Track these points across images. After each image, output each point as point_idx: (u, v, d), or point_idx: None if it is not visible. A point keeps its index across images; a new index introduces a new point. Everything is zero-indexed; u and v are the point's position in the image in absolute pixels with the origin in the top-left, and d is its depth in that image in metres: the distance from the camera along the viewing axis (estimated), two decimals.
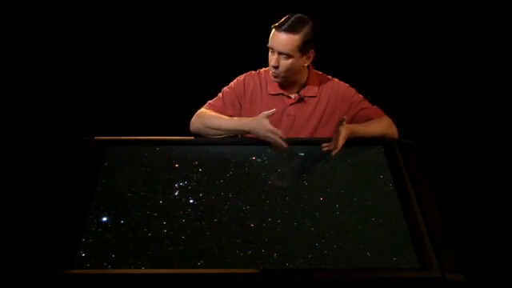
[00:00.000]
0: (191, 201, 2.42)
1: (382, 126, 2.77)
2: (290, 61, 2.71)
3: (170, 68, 4.04)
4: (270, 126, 2.61)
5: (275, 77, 2.78)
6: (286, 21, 2.70)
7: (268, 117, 2.62)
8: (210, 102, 2.91)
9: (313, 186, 2.49)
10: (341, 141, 2.56)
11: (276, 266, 2.16)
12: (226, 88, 2.93)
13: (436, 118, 3.96)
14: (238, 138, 2.85)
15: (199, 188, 2.47)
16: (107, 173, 2.53)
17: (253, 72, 2.94)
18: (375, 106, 2.87)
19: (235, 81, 2.93)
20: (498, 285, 3.09)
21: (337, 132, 2.57)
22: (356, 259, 2.19)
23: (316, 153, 2.66)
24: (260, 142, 2.69)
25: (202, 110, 2.85)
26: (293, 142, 2.70)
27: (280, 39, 2.67)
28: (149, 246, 2.22)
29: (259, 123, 2.63)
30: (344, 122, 2.57)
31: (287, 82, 2.82)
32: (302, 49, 2.71)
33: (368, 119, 2.81)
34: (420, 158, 2.63)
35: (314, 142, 2.72)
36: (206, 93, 3.14)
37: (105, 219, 2.33)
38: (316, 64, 2.92)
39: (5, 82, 3.84)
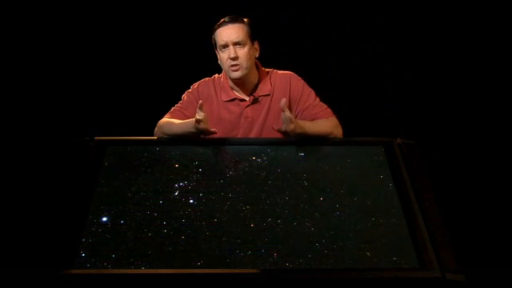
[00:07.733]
0: (191, 201, 2.42)
1: (328, 125, 2.78)
2: (246, 48, 2.79)
3: (170, 68, 4.03)
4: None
5: (237, 70, 2.80)
6: (225, 18, 2.82)
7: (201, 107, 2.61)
8: (171, 109, 2.92)
9: (313, 186, 2.49)
10: (290, 121, 2.60)
11: (276, 266, 2.17)
12: (184, 95, 2.95)
13: (436, 118, 3.96)
14: (239, 138, 2.84)
15: (199, 188, 2.47)
16: (107, 173, 2.53)
17: (207, 79, 2.97)
18: (325, 105, 2.89)
19: (190, 88, 2.96)
20: (498, 285, 3.09)
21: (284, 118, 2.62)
22: (356, 259, 2.19)
23: (316, 153, 2.67)
24: (260, 142, 2.69)
25: (163, 119, 2.86)
26: (292, 142, 2.70)
27: (231, 31, 2.79)
28: (149, 246, 2.23)
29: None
30: (284, 105, 2.60)
31: (246, 78, 2.83)
32: (251, 36, 2.82)
33: (314, 118, 2.83)
34: (420, 157, 2.63)
35: (313, 142, 2.71)
36: None
37: (105, 219, 2.33)
38: (315, 62, 2.92)
39: (5, 82, 3.84)
